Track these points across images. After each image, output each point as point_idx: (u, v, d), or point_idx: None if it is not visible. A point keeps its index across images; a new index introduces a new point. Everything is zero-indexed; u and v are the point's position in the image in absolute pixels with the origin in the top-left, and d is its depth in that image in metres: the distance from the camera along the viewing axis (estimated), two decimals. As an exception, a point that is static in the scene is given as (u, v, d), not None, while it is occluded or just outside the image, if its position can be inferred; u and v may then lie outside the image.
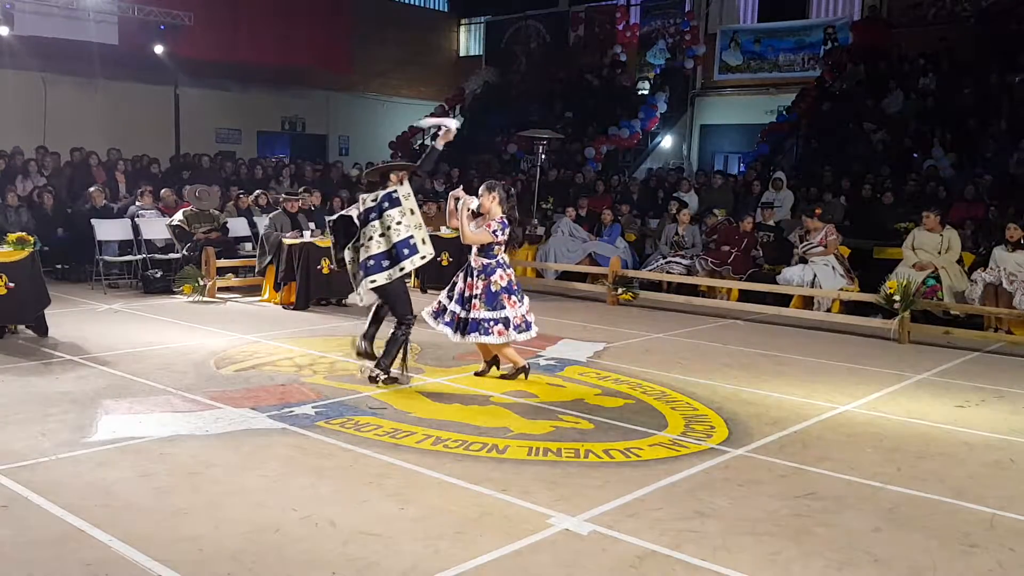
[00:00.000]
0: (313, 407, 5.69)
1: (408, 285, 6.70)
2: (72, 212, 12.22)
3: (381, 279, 6.11)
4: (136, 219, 11.45)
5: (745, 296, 10.61)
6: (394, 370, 6.35)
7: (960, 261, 9.91)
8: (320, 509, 3.98)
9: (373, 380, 6.29)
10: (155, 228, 11.46)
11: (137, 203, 11.95)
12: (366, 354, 6.42)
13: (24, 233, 8.02)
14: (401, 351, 6.30)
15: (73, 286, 11.08)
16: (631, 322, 9.64)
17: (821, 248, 10.34)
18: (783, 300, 10.23)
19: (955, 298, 9.49)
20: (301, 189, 11.59)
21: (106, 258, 11.12)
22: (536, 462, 4.75)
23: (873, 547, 3.75)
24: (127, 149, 15.22)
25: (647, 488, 4.38)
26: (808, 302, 10.19)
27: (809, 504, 4.23)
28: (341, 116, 21.98)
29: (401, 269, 6.13)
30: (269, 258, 10.27)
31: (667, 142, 20.50)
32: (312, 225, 10.46)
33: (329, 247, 9.97)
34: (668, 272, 11.33)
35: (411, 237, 6.12)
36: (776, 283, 10.42)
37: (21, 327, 7.88)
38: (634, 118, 18.87)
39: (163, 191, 12.40)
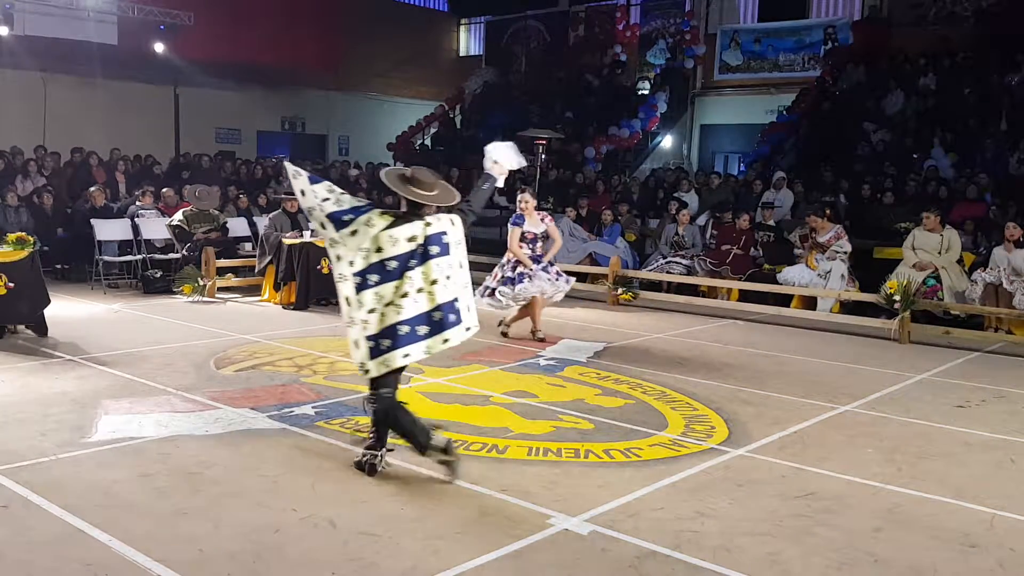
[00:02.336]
0: (313, 407, 5.69)
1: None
2: (72, 212, 12.22)
3: (417, 353, 4.34)
4: (136, 219, 11.45)
5: (745, 296, 10.61)
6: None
7: (960, 261, 9.91)
8: (320, 509, 3.97)
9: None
10: (155, 228, 11.46)
11: (137, 203, 11.95)
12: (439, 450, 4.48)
13: (24, 233, 8.02)
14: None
15: (73, 286, 11.07)
16: (631, 322, 9.64)
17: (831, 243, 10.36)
18: (783, 300, 10.23)
19: (955, 298, 9.49)
20: (301, 189, 11.56)
21: (106, 258, 11.11)
22: (536, 462, 4.75)
23: (873, 547, 3.75)
24: (127, 149, 15.22)
25: (647, 488, 4.38)
26: (808, 302, 10.19)
27: (809, 504, 4.23)
28: (341, 116, 21.99)
29: (445, 341, 4.37)
30: (269, 258, 10.27)
31: (667, 142, 20.48)
32: (312, 225, 10.45)
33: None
34: (668, 272, 11.33)
35: (456, 300, 4.41)
36: (776, 283, 10.42)
37: (21, 327, 7.88)
38: (634, 118, 18.85)
39: (164, 190, 12.40)
